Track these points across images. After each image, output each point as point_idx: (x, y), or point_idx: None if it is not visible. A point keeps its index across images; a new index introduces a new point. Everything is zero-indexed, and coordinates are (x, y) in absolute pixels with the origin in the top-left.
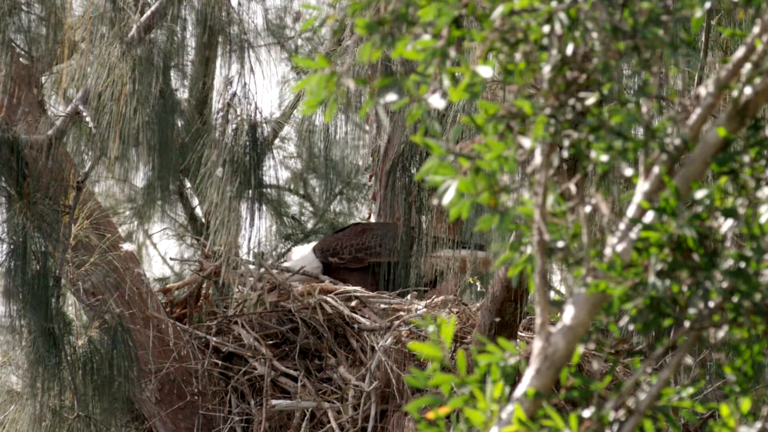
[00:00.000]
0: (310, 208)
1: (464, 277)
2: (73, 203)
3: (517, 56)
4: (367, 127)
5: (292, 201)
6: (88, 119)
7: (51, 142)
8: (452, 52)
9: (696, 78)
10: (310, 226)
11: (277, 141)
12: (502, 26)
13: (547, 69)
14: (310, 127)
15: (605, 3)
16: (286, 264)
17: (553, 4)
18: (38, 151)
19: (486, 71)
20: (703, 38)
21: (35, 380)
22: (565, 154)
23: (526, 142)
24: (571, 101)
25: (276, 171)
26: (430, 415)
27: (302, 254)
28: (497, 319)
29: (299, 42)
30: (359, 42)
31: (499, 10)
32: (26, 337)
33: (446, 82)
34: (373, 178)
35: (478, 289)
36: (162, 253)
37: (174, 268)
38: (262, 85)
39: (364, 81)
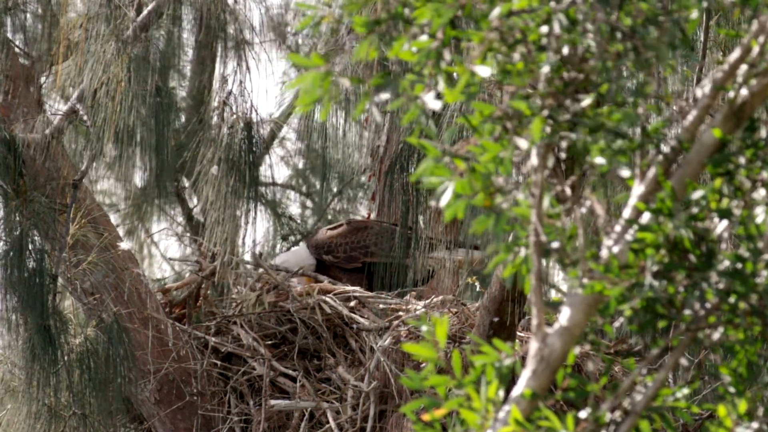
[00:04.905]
0: (310, 208)
1: (463, 277)
2: (70, 201)
3: (516, 56)
4: (365, 126)
5: (291, 201)
6: (85, 117)
7: (48, 140)
8: (447, 53)
9: (695, 78)
10: (309, 225)
11: (275, 140)
12: (500, 27)
13: (546, 69)
14: (309, 126)
15: (603, 4)
16: (277, 260)
17: (552, 4)
18: (35, 150)
19: (484, 71)
20: (702, 38)
21: (31, 378)
22: (563, 155)
23: (523, 144)
24: (568, 102)
25: (273, 170)
26: (426, 416)
27: (295, 250)
28: (496, 319)
29: (300, 40)
30: (356, 41)
31: (497, 11)
32: (22, 335)
33: (441, 82)
34: (372, 178)
35: (477, 289)
36: (161, 253)
37: (167, 270)
38: (261, 84)
39: (359, 80)
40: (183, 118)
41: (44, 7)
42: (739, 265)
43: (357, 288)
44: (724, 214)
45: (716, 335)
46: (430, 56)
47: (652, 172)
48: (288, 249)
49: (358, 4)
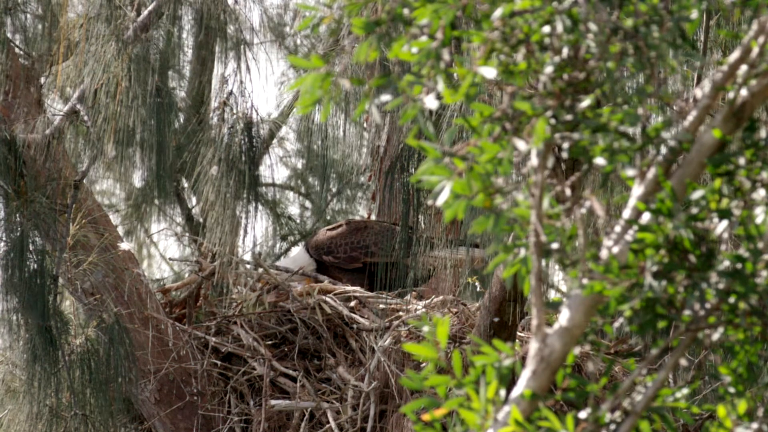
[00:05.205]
0: (309, 208)
1: (463, 276)
2: (70, 202)
3: (518, 57)
4: (365, 126)
5: (291, 201)
6: (85, 118)
7: (49, 140)
8: (446, 54)
9: (695, 78)
10: (308, 226)
11: (274, 140)
12: (502, 27)
13: (549, 69)
14: (309, 126)
15: (605, 3)
16: (279, 262)
17: (554, 4)
18: (36, 150)
19: (489, 72)
20: (702, 38)
21: (32, 379)
22: (565, 155)
23: (521, 144)
24: (568, 102)
25: (272, 170)
26: (426, 416)
27: (294, 256)
28: (496, 320)
29: (298, 41)
30: (356, 41)
31: (500, 11)
32: (23, 335)
33: (440, 83)
34: (372, 178)
35: (477, 289)
36: (160, 254)
37: (167, 270)
38: (260, 84)
39: (359, 81)
40: (183, 118)
41: (44, 7)
42: (739, 265)
43: (357, 288)
44: (724, 214)
45: (716, 335)
46: (430, 56)
47: (652, 173)
48: (287, 249)
49: (359, 5)
